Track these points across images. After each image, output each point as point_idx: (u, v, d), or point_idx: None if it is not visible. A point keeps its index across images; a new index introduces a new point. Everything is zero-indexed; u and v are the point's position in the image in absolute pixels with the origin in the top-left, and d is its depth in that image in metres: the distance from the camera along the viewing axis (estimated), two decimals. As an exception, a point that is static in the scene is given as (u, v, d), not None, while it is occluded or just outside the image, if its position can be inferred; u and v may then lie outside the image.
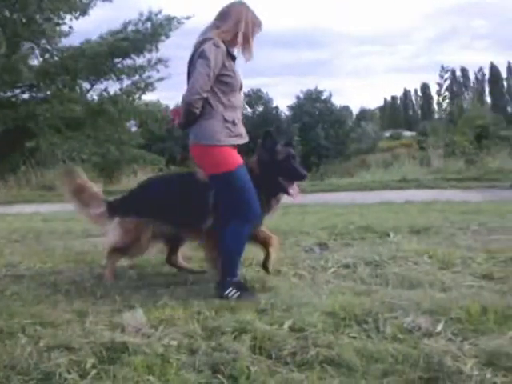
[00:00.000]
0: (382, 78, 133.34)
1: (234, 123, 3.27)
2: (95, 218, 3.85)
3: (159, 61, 16.20)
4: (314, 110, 35.03)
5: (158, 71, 16.36)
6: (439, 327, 2.52)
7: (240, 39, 3.28)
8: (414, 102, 78.23)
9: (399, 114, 75.05)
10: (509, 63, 55.44)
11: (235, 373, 2.17)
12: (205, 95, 3.16)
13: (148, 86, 16.42)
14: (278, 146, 3.49)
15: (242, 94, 3.47)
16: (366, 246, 4.56)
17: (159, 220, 3.60)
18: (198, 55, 3.18)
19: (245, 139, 3.37)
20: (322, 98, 36.50)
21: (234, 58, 3.32)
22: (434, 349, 2.25)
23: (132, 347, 2.43)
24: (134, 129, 22.83)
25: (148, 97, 25.11)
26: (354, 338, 2.47)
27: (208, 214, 3.46)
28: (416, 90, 75.72)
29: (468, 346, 2.31)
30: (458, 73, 59.16)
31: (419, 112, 72.39)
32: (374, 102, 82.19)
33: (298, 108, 33.99)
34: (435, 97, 15.71)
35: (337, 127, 35.08)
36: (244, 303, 3.02)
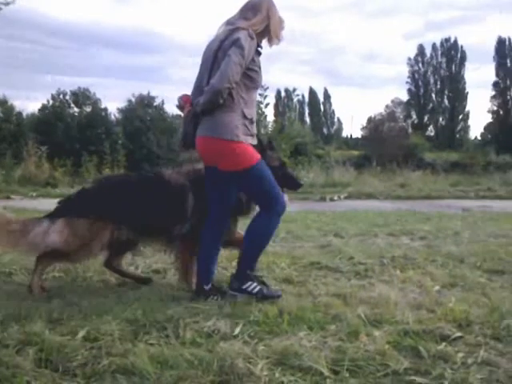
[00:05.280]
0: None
1: (251, 121, 3.13)
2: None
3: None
4: (146, 116, 34.39)
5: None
6: (237, 330, 2.58)
7: (273, 34, 3.18)
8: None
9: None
10: (325, 89, 61.35)
11: (14, 389, 1.95)
12: (234, 85, 2.97)
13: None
14: (268, 152, 3.36)
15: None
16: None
17: (122, 223, 3.23)
18: (231, 43, 2.99)
19: (255, 141, 3.19)
20: (155, 104, 36.08)
21: (259, 54, 3.16)
22: (229, 351, 2.28)
23: None
24: None
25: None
26: (152, 344, 2.40)
27: (183, 219, 3.29)
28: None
29: (262, 347, 2.38)
30: (283, 93, 63.64)
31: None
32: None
33: (130, 112, 33.01)
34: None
35: (169, 135, 34.87)
36: (36, 313, 2.74)
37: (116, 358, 2.22)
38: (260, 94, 15.74)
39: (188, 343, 2.43)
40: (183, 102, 3.26)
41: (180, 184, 3.33)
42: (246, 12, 3.21)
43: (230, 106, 3.04)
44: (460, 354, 2.34)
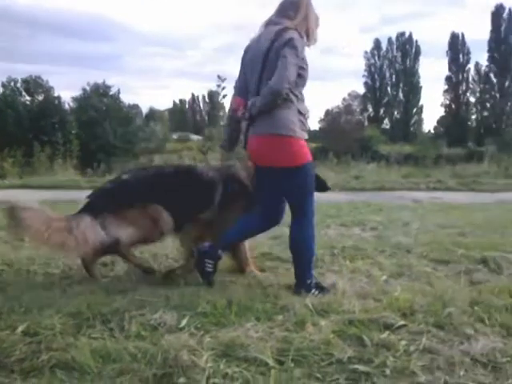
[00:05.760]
0: (170, 81, 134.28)
1: (305, 117, 3.17)
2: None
3: None
4: (101, 105, 33.57)
5: None
6: (183, 322, 2.55)
7: (311, 33, 3.20)
8: (202, 107, 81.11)
9: (187, 117, 76.92)
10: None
11: None
12: (292, 86, 3.00)
13: None
14: None
15: None
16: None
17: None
18: (283, 43, 2.98)
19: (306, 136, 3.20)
20: (110, 93, 35.29)
21: None
22: (174, 344, 2.25)
23: None
24: None
25: None
26: (95, 338, 2.35)
27: (210, 205, 3.40)
28: (204, 96, 78.58)
29: (208, 339, 2.37)
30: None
31: (206, 118, 75.33)
32: (164, 104, 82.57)
33: (84, 101, 32.16)
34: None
35: (125, 125, 34.21)
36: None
37: (56, 352, 2.18)
38: (218, 85, 15.61)
39: (132, 336, 2.39)
40: (236, 105, 3.27)
41: (211, 176, 3.47)
42: (285, 10, 3.21)
43: (286, 104, 3.07)
44: (403, 342, 2.39)
